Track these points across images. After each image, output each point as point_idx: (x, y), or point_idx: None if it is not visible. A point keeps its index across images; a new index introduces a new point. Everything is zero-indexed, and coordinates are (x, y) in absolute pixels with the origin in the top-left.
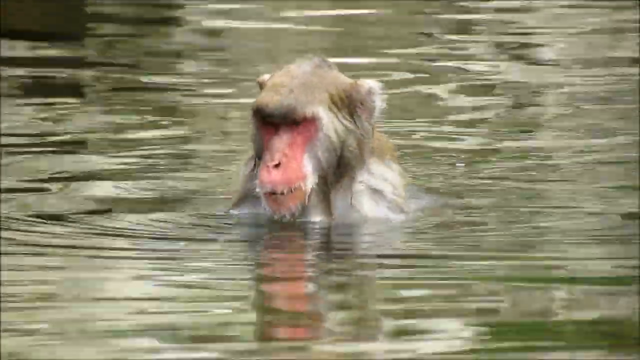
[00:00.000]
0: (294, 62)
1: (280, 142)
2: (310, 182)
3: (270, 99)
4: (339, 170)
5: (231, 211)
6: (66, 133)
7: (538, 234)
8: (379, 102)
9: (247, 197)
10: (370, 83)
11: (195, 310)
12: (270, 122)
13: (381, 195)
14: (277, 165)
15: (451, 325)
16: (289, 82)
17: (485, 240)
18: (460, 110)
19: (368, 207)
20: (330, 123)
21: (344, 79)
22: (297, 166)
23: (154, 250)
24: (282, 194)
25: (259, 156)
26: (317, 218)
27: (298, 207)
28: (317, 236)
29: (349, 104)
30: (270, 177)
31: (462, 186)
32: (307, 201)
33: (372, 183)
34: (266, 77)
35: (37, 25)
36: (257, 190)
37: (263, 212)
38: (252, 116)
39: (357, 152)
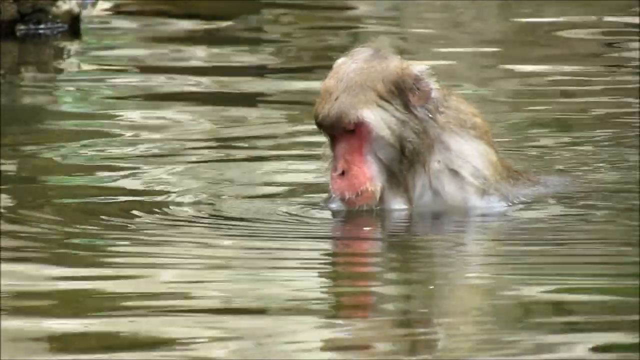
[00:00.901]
0: (351, 53)
1: (340, 150)
2: (377, 181)
3: (320, 110)
4: (406, 159)
5: (326, 203)
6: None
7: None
8: (432, 85)
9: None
10: (417, 67)
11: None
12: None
13: (460, 177)
14: (341, 174)
15: None
16: (335, 86)
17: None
18: None
19: (448, 189)
20: (381, 122)
21: (393, 69)
22: (359, 171)
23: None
24: (352, 198)
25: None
26: (397, 206)
27: (373, 204)
28: (393, 226)
29: (399, 94)
30: (337, 185)
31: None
32: (379, 198)
33: (450, 162)
34: (339, 61)
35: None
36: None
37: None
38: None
39: (418, 140)
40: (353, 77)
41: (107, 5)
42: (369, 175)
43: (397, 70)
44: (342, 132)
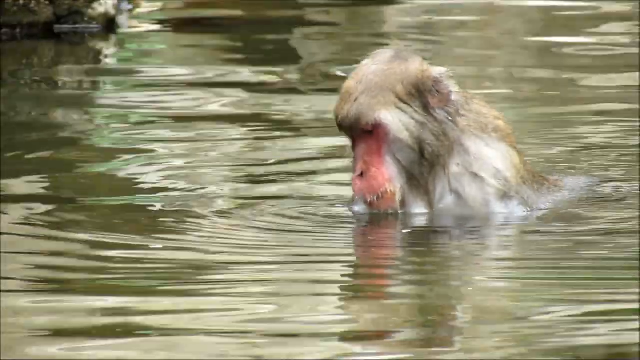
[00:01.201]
0: (371, 54)
1: (359, 151)
2: (397, 182)
3: (339, 110)
4: (426, 162)
5: (348, 207)
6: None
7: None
8: (451, 87)
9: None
10: (436, 69)
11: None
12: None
13: (480, 179)
14: (361, 175)
15: None
16: (355, 87)
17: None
18: None
19: (468, 191)
20: (399, 124)
21: (413, 71)
22: (378, 172)
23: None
24: (373, 201)
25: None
26: (418, 209)
27: (394, 206)
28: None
29: (419, 96)
30: (357, 187)
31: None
32: (400, 200)
33: (470, 165)
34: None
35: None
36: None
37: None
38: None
39: (437, 143)
40: (372, 78)
41: (145, 10)
42: (388, 176)
43: (417, 73)
44: (361, 133)
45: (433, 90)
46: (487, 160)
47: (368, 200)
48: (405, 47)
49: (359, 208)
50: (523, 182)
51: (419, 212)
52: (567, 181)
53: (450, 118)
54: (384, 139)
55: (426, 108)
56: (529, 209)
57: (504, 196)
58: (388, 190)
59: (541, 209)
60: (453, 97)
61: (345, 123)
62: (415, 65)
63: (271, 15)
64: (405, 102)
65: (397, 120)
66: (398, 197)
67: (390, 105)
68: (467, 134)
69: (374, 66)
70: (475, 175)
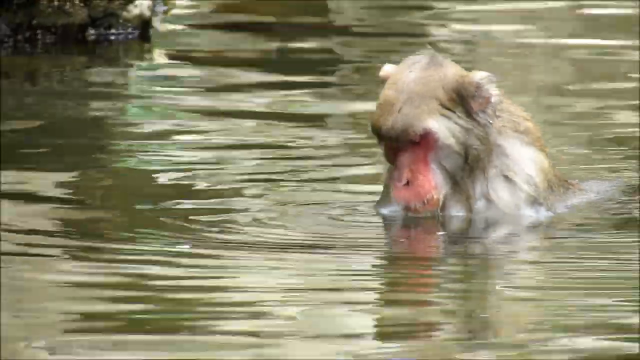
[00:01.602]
0: (404, 61)
1: (404, 159)
2: (442, 189)
3: (382, 122)
4: (468, 166)
5: (378, 209)
6: None
7: None
8: (492, 91)
9: (387, 194)
10: (477, 74)
11: None
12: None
13: (514, 185)
14: (406, 183)
15: None
16: (396, 97)
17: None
18: None
19: (501, 196)
20: (446, 131)
21: (453, 77)
22: (425, 180)
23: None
24: (417, 207)
25: (389, 165)
26: (456, 212)
27: (435, 212)
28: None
29: (462, 102)
30: (401, 195)
31: None
32: (442, 205)
33: (506, 168)
34: (388, 69)
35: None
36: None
37: (395, 209)
38: (371, 132)
39: (481, 147)
40: (413, 87)
41: (181, 11)
42: (434, 183)
43: (457, 78)
44: (407, 142)
45: (475, 95)
46: (521, 164)
47: (412, 207)
48: (436, 52)
49: (388, 210)
50: (550, 187)
51: (457, 215)
52: (591, 185)
53: (490, 121)
54: (431, 146)
55: (469, 113)
56: (555, 214)
57: (534, 202)
58: (434, 197)
59: (567, 215)
60: (493, 100)
61: (391, 134)
62: (453, 71)
63: (302, 20)
64: (448, 109)
65: (443, 128)
66: (440, 204)
67: (435, 113)
68: (503, 135)
69: (412, 74)
70: (508, 179)
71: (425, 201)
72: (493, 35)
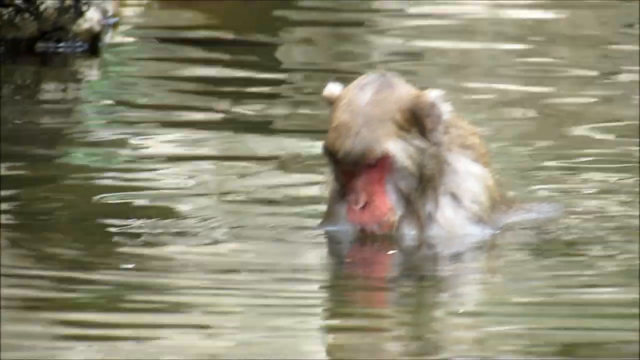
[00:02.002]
0: (355, 82)
1: (360, 182)
2: (397, 211)
3: (339, 145)
4: (421, 186)
5: (320, 227)
6: None
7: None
8: (445, 110)
9: (333, 214)
10: (431, 93)
11: None
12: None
13: (460, 203)
14: (362, 207)
15: None
16: (352, 120)
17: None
18: None
19: (447, 215)
20: (403, 152)
21: (407, 97)
22: (381, 202)
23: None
24: (374, 229)
25: (341, 187)
26: (407, 232)
27: (390, 230)
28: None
29: (416, 122)
30: (357, 218)
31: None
32: (396, 227)
33: (452, 187)
34: (333, 89)
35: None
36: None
37: (341, 227)
38: (324, 155)
39: (435, 166)
40: (369, 110)
41: (130, 23)
42: (390, 206)
43: (412, 98)
44: (363, 166)
45: (430, 114)
46: (467, 182)
47: (369, 230)
48: (387, 71)
49: (337, 229)
50: (494, 205)
51: (407, 235)
52: (532, 205)
53: (442, 139)
54: (387, 169)
55: (423, 132)
56: (498, 232)
57: (479, 220)
58: (390, 219)
59: (510, 232)
60: (445, 118)
61: (348, 158)
62: (406, 90)
63: (254, 35)
64: (404, 130)
65: (400, 150)
66: (395, 226)
67: (392, 135)
68: (451, 152)
69: (366, 96)
70: (455, 197)
71: (382, 223)
72: (433, 50)
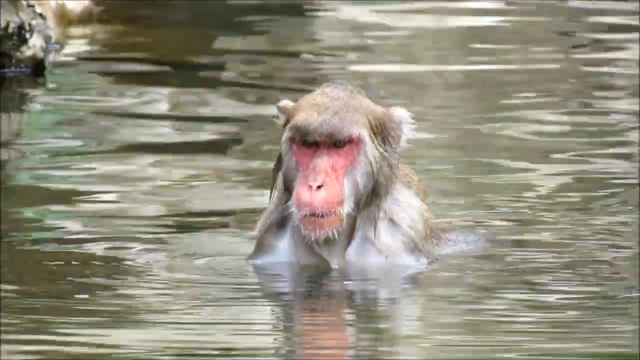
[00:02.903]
0: (323, 87)
1: (323, 163)
2: (347, 207)
3: (315, 118)
4: (369, 197)
5: (249, 261)
6: None
7: None
8: (409, 132)
9: (265, 246)
10: (401, 112)
11: None
12: (310, 143)
13: (398, 228)
14: (319, 187)
15: None
16: (330, 103)
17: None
18: None
19: (384, 238)
20: (371, 147)
21: (376, 107)
22: (338, 190)
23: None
24: (322, 216)
25: (288, 185)
26: (339, 247)
27: (334, 231)
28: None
29: (382, 131)
30: (311, 198)
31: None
32: (342, 226)
33: (392, 213)
34: (287, 102)
35: None
36: (292, 210)
37: (281, 260)
38: (289, 137)
39: (388, 180)
40: (347, 100)
41: (74, 50)
42: (343, 196)
43: (383, 109)
44: (331, 145)
45: (396, 131)
46: (407, 210)
47: (318, 214)
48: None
49: (260, 261)
50: (427, 237)
51: (337, 259)
52: (458, 236)
53: (399, 159)
54: (354, 157)
55: (385, 144)
56: (431, 262)
57: (414, 248)
58: (339, 212)
59: (441, 263)
60: (404, 143)
61: (322, 130)
62: (371, 102)
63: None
64: (374, 132)
65: (370, 142)
66: (342, 223)
67: (367, 127)
68: (396, 184)
69: (341, 92)
70: (393, 223)
71: (332, 211)
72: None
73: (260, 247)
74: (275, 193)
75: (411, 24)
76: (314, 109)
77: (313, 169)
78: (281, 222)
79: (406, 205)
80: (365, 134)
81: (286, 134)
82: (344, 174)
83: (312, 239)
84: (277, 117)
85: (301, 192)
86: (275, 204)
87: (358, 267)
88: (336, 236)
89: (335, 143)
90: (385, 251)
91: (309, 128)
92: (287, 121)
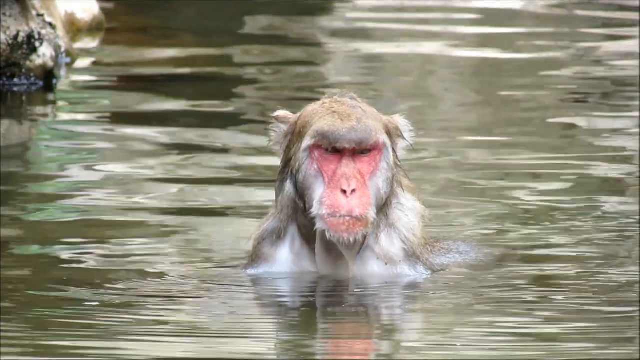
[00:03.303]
0: (329, 95)
1: (351, 169)
2: (373, 212)
3: (342, 125)
4: (384, 204)
5: (246, 271)
6: None
7: None
8: (409, 139)
9: (264, 255)
10: (402, 119)
11: None
12: (336, 150)
13: (398, 234)
14: (352, 191)
15: None
16: (350, 110)
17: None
18: None
19: (385, 244)
20: (389, 153)
21: (382, 115)
22: (369, 194)
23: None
24: (357, 219)
25: (303, 193)
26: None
27: (361, 234)
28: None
29: (392, 139)
30: (347, 201)
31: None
32: (368, 230)
33: (394, 218)
34: (286, 112)
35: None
36: (320, 213)
37: (281, 270)
38: (311, 145)
39: (396, 186)
40: (363, 108)
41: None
42: (371, 201)
43: (389, 118)
44: (356, 151)
45: (401, 137)
46: (410, 216)
47: (354, 216)
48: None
49: (255, 271)
50: (424, 245)
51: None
52: (451, 245)
53: (400, 163)
54: (376, 163)
55: (394, 150)
56: (429, 271)
57: (412, 255)
58: (368, 217)
59: (439, 271)
60: (406, 150)
61: (352, 137)
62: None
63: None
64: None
65: (389, 147)
66: (369, 227)
67: (384, 134)
68: (398, 188)
69: (354, 101)
70: (394, 229)
71: (360, 217)
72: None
73: (258, 257)
74: (278, 203)
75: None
76: (335, 117)
77: (343, 175)
78: (279, 233)
79: (408, 209)
80: (387, 140)
81: (308, 142)
82: (368, 179)
83: (341, 241)
84: (274, 127)
85: (333, 196)
86: (273, 214)
87: (360, 275)
88: (362, 238)
89: (362, 150)
90: (384, 258)
91: (338, 135)
92: (296, 130)
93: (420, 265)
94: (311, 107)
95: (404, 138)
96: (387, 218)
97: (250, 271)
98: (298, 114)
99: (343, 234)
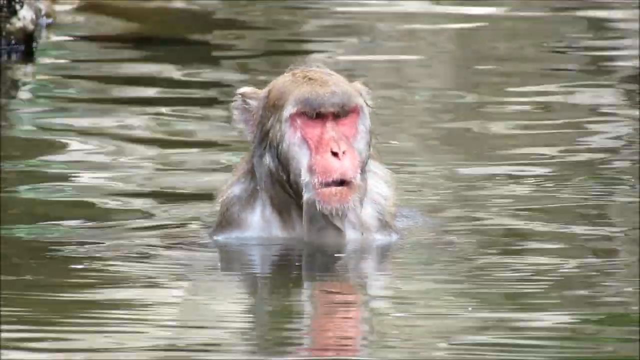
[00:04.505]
0: (297, 67)
1: (337, 132)
2: (359, 176)
3: (324, 90)
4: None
5: (215, 237)
6: None
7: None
8: (370, 104)
9: (234, 220)
10: (363, 86)
11: None
12: (318, 116)
13: (373, 203)
14: (343, 153)
15: None
16: (326, 77)
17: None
18: None
19: (361, 213)
20: (367, 116)
21: (351, 83)
22: (356, 155)
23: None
24: (346, 186)
25: (287, 163)
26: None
27: (351, 201)
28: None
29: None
30: (340, 164)
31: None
32: (357, 197)
33: (370, 188)
34: (251, 89)
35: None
36: (311, 180)
37: (252, 235)
38: (293, 113)
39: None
40: (335, 75)
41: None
42: (359, 164)
43: (355, 84)
44: (339, 114)
45: (366, 102)
46: (382, 187)
47: (348, 179)
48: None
49: (222, 238)
50: (394, 213)
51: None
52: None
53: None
54: (356, 127)
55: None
56: (400, 238)
57: (386, 224)
58: (355, 181)
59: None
60: (368, 112)
61: (335, 100)
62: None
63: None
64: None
65: (366, 111)
66: (357, 192)
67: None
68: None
69: (322, 69)
70: (369, 199)
71: (349, 180)
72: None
73: (229, 222)
74: (245, 168)
75: None
76: (313, 83)
77: (331, 138)
78: (248, 198)
79: (379, 177)
80: (364, 104)
81: (289, 110)
82: (351, 143)
83: (334, 212)
84: (241, 104)
85: (324, 160)
86: (238, 178)
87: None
88: (352, 207)
89: (340, 114)
90: (361, 227)
91: (321, 99)
92: (268, 104)
93: (394, 233)
94: (281, 79)
95: (367, 104)
96: (362, 187)
97: (221, 236)
98: (267, 88)
99: (335, 205)
